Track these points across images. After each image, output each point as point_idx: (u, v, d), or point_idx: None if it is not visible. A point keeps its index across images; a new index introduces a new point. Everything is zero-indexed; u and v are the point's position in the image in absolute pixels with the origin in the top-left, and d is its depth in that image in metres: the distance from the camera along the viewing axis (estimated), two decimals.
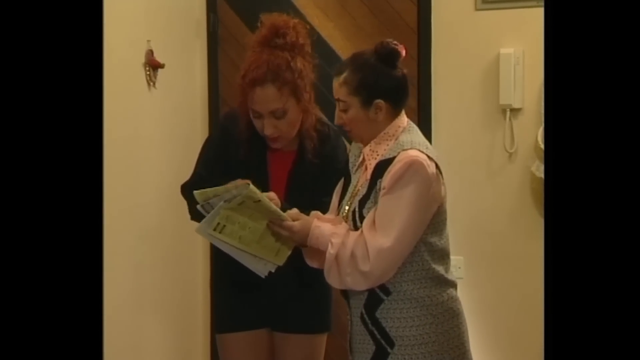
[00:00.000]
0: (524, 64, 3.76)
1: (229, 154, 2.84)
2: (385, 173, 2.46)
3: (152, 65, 3.58)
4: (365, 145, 2.57)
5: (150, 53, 3.57)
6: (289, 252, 2.63)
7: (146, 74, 3.57)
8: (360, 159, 2.62)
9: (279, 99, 2.74)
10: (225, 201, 2.51)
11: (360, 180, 2.58)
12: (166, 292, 3.80)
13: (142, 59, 3.55)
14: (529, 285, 3.70)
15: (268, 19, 2.83)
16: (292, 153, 2.88)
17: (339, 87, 2.53)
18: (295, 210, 2.60)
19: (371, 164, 2.52)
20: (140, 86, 3.56)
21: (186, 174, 2.91)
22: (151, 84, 3.60)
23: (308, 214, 2.63)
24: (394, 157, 2.47)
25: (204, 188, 2.57)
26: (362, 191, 2.52)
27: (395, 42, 2.54)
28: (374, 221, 2.45)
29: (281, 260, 2.64)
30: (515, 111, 3.80)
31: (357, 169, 2.64)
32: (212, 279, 3.06)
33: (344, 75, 2.51)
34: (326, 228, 2.53)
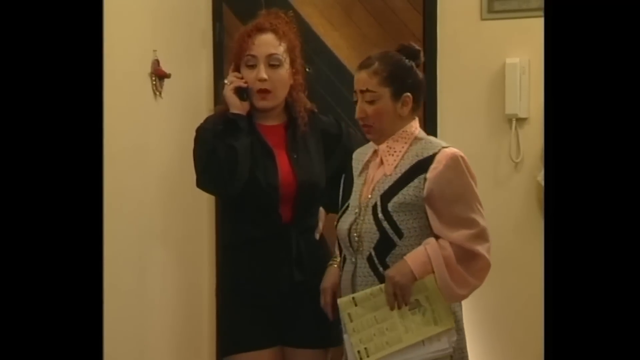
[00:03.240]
0: (530, 74, 3.76)
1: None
2: (430, 170, 2.51)
3: (158, 75, 3.59)
4: (378, 144, 2.61)
5: (156, 63, 3.58)
6: (436, 305, 2.47)
7: (152, 84, 3.57)
8: (367, 157, 2.65)
9: (277, 45, 2.82)
10: (345, 334, 2.53)
11: (375, 176, 2.60)
12: (170, 301, 3.80)
13: (148, 69, 3.56)
14: (535, 295, 3.67)
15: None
16: (281, 125, 2.89)
17: (368, 77, 2.56)
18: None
19: (388, 161, 2.57)
20: (146, 96, 3.56)
21: (192, 183, 2.91)
22: (157, 93, 3.60)
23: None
24: (434, 155, 2.54)
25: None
26: (384, 186, 2.56)
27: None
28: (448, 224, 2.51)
29: (449, 322, 2.47)
30: (521, 121, 3.80)
31: (362, 171, 2.66)
32: (217, 296, 3.03)
33: (374, 66, 2.56)
34: (415, 254, 2.51)
